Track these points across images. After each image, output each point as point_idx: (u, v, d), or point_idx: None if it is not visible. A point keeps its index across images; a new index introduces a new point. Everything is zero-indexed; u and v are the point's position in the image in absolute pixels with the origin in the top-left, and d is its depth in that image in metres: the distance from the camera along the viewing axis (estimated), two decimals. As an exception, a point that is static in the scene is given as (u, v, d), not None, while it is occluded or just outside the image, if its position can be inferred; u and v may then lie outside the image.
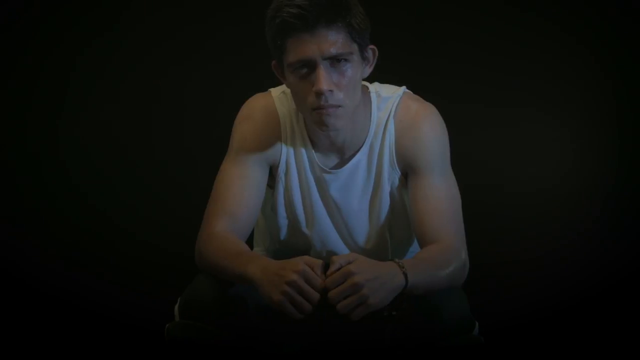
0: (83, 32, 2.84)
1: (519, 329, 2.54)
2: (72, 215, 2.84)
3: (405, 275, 1.61)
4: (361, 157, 1.88)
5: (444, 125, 1.89)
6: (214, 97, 2.84)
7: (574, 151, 2.83)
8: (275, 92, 1.91)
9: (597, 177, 2.80)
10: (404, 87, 1.91)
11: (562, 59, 2.78)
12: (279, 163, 1.89)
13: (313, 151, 1.89)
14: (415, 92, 1.94)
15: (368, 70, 1.80)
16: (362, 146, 1.87)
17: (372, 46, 1.78)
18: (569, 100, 2.80)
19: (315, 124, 1.77)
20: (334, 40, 1.68)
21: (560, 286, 2.67)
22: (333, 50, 1.68)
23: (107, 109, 2.88)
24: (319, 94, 1.69)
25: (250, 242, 2.00)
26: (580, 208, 2.79)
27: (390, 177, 1.88)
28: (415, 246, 1.97)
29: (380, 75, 1.88)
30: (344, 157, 1.89)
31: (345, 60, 1.71)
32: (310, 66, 1.70)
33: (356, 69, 1.74)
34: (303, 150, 1.89)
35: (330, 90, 1.70)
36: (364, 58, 1.76)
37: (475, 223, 2.61)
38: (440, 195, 1.82)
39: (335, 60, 1.70)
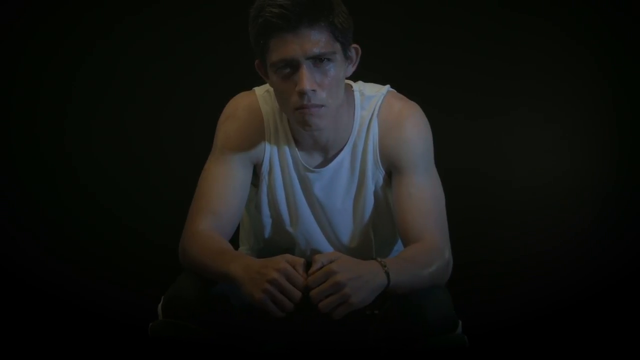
0: (92, 33, 2.85)
1: (516, 329, 2.53)
2: (72, 213, 2.86)
3: (388, 274, 1.61)
4: (345, 156, 1.87)
5: (428, 124, 1.88)
6: (222, 100, 2.84)
7: (574, 151, 2.81)
8: (260, 90, 1.91)
9: (596, 177, 2.79)
10: (387, 86, 1.91)
11: (561, 60, 2.77)
12: (262, 162, 1.89)
13: (297, 150, 1.88)
14: (402, 91, 1.93)
15: (351, 69, 1.79)
16: (345, 145, 1.87)
17: (355, 45, 1.78)
18: (568, 100, 2.79)
19: (298, 124, 1.77)
20: (316, 40, 1.68)
21: (559, 285, 2.66)
22: (316, 50, 1.68)
23: (115, 109, 2.90)
24: (302, 94, 1.69)
25: (235, 240, 2.00)
26: (579, 208, 2.77)
27: (374, 176, 1.88)
28: (399, 245, 1.97)
29: (367, 73, 1.89)
30: (327, 156, 1.88)
31: (328, 59, 1.70)
32: (293, 66, 1.70)
33: (339, 69, 1.73)
34: (287, 149, 1.89)
35: (313, 90, 1.69)
36: (347, 57, 1.76)
37: (474, 222, 2.63)
38: (424, 195, 1.81)
39: (318, 60, 1.70)
